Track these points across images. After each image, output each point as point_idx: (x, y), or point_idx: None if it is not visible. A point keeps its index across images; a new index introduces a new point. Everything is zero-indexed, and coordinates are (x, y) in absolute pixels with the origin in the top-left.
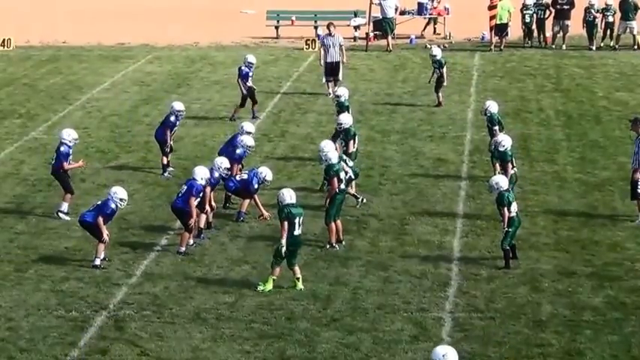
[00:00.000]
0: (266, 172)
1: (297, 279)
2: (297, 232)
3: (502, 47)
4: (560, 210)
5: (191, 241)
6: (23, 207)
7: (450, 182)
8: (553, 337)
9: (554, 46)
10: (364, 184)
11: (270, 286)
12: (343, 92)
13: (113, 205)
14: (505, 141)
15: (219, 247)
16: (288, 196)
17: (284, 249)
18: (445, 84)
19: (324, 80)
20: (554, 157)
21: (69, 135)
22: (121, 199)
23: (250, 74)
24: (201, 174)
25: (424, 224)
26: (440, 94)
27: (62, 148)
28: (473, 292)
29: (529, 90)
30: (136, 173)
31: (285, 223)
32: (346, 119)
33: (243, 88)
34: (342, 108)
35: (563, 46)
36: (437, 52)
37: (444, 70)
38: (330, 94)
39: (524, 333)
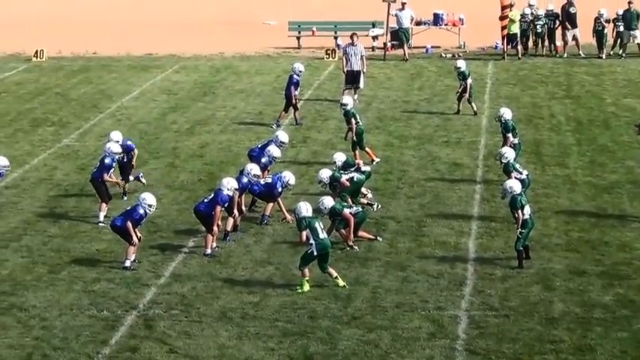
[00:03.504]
0: (289, 177)
1: (336, 278)
2: (322, 235)
3: (520, 56)
4: (571, 212)
5: (214, 244)
6: (56, 211)
7: (465, 186)
8: (565, 333)
9: (565, 55)
10: (383, 187)
11: (307, 287)
12: (348, 101)
13: (142, 211)
14: (508, 153)
15: (244, 248)
16: (305, 209)
17: (315, 253)
18: (467, 95)
19: (343, 88)
20: (565, 161)
21: (117, 149)
22: (149, 205)
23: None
24: (228, 185)
25: (440, 226)
26: (461, 103)
27: (107, 160)
28: (488, 291)
29: (541, 97)
30: (163, 178)
31: (304, 233)
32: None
33: (291, 95)
34: (348, 116)
35: (581, 53)
36: (461, 64)
37: (469, 81)
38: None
39: (537, 330)
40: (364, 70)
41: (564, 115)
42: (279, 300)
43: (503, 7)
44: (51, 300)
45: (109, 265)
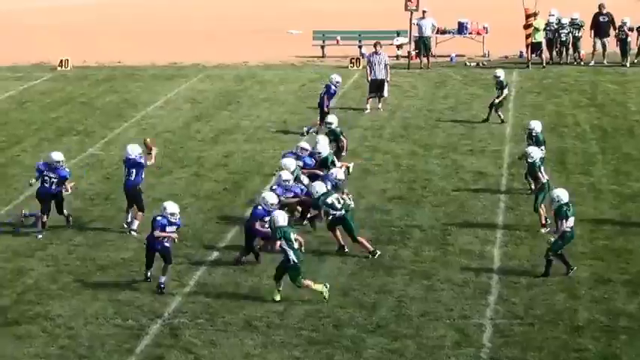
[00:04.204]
0: (317, 186)
1: (322, 285)
2: (296, 245)
3: (544, 64)
4: (595, 220)
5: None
6: (81, 220)
7: (489, 194)
8: (590, 342)
9: (591, 63)
10: (407, 196)
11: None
12: (333, 119)
13: (164, 220)
14: (534, 153)
15: (268, 257)
16: (282, 218)
17: (295, 260)
18: (501, 103)
19: (367, 96)
20: (589, 170)
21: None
22: (171, 214)
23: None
24: (266, 200)
25: (465, 234)
26: (493, 112)
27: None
28: (513, 299)
29: (565, 105)
30: (188, 187)
31: (280, 242)
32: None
33: (325, 105)
34: (334, 135)
35: (605, 62)
36: (500, 73)
37: (506, 90)
38: (367, 109)
39: (562, 338)
40: (388, 79)
41: (589, 123)
42: (303, 309)
43: (528, 16)
44: (76, 309)
45: (134, 274)
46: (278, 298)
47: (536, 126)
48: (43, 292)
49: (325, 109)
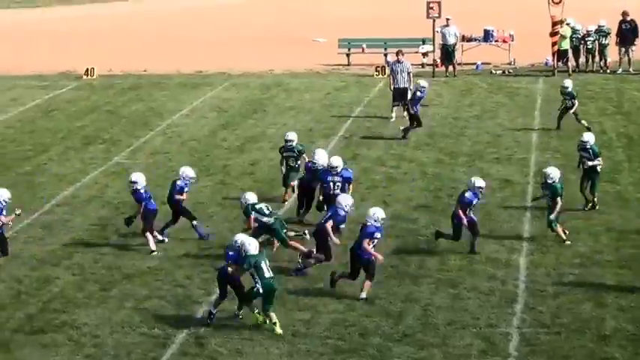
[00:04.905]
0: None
1: (274, 324)
2: (267, 274)
3: (570, 72)
4: (622, 229)
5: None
6: (107, 229)
7: (515, 202)
8: (617, 350)
9: (619, 71)
10: (434, 204)
11: (262, 321)
12: (293, 137)
13: (182, 183)
14: (554, 173)
15: (294, 266)
16: (254, 247)
17: (260, 290)
18: (576, 113)
19: (392, 105)
20: (616, 178)
21: (191, 173)
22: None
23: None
24: (373, 215)
25: (491, 243)
26: (576, 122)
27: (179, 182)
28: (539, 308)
29: (591, 113)
30: (214, 196)
31: (250, 270)
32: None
33: (411, 109)
34: (297, 153)
35: (630, 69)
36: (568, 84)
37: (576, 100)
38: (393, 118)
39: (589, 347)
40: (411, 87)
41: (615, 131)
42: (329, 317)
43: (554, 24)
44: (102, 317)
45: (160, 282)
46: (262, 319)
47: (590, 139)
48: (69, 300)
49: (412, 113)
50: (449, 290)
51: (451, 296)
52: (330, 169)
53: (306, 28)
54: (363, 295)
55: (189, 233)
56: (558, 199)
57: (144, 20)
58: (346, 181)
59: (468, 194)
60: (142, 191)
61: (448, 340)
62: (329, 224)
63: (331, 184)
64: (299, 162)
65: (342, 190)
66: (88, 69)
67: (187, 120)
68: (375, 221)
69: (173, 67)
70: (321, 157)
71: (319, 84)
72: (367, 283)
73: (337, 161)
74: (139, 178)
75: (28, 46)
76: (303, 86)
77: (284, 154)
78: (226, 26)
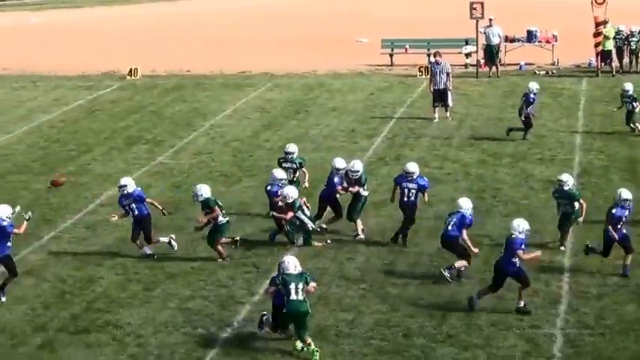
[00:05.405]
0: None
1: (309, 344)
2: (293, 297)
3: (614, 73)
4: None
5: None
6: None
7: None
8: None
9: None
10: (477, 205)
11: (299, 346)
12: (294, 149)
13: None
14: (569, 180)
15: (337, 266)
16: (292, 266)
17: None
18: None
19: (432, 105)
20: None
21: (280, 176)
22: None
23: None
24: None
25: (535, 244)
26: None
27: (269, 187)
28: (583, 309)
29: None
30: (257, 196)
31: (273, 288)
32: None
33: (524, 113)
34: (297, 165)
35: None
36: (629, 87)
37: (637, 103)
38: (436, 118)
39: (633, 349)
40: (450, 88)
41: None
42: (373, 318)
43: (598, 24)
44: (145, 317)
45: (203, 282)
46: (299, 344)
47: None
48: (113, 300)
49: (524, 117)
50: None
51: (494, 297)
52: (405, 175)
53: (349, 28)
54: (521, 303)
55: (232, 232)
56: (580, 200)
57: (187, 20)
58: (421, 189)
59: (615, 210)
60: (136, 194)
61: (492, 341)
62: (464, 234)
63: (406, 190)
64: (297, 174)
65: (416, 198)
66: (131, 69)
67: (230, 120)
68: (520, 233)
69: (216, 67)
70: (359, 166)
71: (362, 84)
72: (522, 291)
73: (413, 167)
74: (129, 182)
75: (72, 47)
76: (346, 87)
77: (283, 166)
78: (269, 27)
